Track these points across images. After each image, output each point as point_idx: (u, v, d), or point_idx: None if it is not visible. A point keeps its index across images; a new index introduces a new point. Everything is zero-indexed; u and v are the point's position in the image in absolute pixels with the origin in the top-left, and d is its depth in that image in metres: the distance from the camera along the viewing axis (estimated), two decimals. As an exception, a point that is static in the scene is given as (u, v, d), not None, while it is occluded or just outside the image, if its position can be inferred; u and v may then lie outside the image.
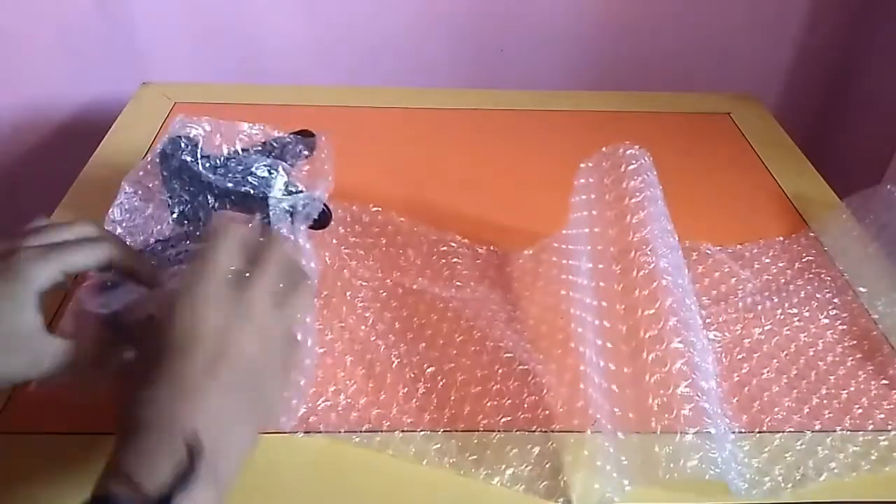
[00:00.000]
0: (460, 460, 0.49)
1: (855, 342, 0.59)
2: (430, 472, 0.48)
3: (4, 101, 1.04)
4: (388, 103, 0.91)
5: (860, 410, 0.53)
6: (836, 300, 0.62)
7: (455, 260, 0.65)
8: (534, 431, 0.51)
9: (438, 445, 0.50)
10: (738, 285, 0.63)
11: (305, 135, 0.63)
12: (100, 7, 0.96)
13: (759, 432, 0.51)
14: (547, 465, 0.48)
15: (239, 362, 0.37)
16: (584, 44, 1.03)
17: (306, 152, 0.61)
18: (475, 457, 0.49)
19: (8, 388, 0.52)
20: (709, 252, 0.66)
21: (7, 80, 1.02)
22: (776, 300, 0.62)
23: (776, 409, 0.53)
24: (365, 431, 0.50)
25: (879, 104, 1.00)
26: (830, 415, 0.53)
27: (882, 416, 0.53)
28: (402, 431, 0.50)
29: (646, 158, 0.55)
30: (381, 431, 0.50)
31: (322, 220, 0.61)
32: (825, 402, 0.54)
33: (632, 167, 0.54)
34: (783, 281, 0.65)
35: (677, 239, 0.55)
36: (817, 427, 0.52)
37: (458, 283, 0.62)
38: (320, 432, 0.50)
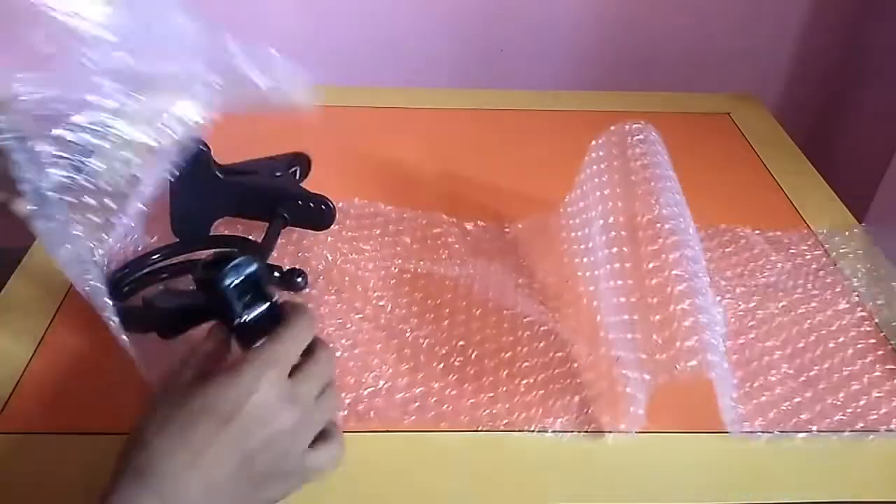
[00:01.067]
0: (511, 421, 0.51)
1: (860, 344, 0.59)
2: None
3: (4, 101, 1.03)
4: (388, 103, 0.91)
5: (863, 409, 0.53)
6: (845, 303, 0.62)
7: (450, 239, 0.67)
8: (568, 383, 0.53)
9: (488, 411, 0.52)
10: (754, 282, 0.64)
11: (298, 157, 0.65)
12: (100, 7, 0.96)
13: (764, 432, 0.52)
14: (588, 412, 0.52)
15: (265, 452, 0.37)
16: (585, 44, 1.03)
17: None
18: (524, 415, 0.51)
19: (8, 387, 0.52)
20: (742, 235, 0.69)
21: (7, 80, 1.02)
22: (786, 303, 0.62)
23: (781, 409, 0.53)
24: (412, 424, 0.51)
25: (879, 104, 1.00)
26: (837, 415, 0.53)
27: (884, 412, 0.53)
28: (449, 406, 0.52)
29: (652, 132, 0.59)
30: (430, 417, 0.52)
31: (327, 219, 0.61)
32: (831, 402, 0.54)
33: (637, 138, 0.59)
34: (791, 284, 0.64)
35: (683, 197, 0.59)
36: (823, 427, 0.52)
37: (459, 261, 0.65)
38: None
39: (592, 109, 0.92)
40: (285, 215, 0.62)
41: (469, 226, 0.69)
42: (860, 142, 1.04)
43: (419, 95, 0.93)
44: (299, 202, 0.62)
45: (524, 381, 0.54)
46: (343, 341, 0.56)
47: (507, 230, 0.69)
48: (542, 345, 0.57)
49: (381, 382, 0.53)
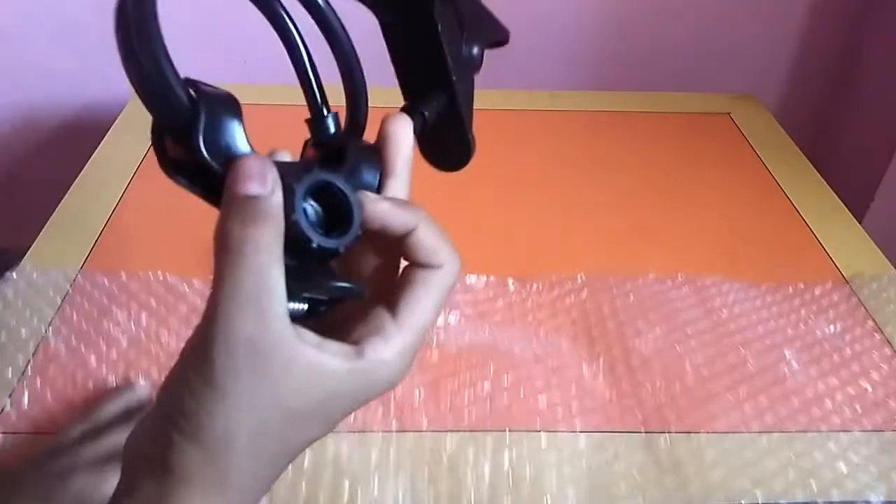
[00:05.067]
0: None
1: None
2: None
3: (4, 101, 1.04)
4: (388, 103, 0.90)
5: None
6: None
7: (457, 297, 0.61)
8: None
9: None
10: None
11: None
12: (100, 7, 0.96)
13: (782, 432, 0.52)
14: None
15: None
16: (585, 44, 1.03)
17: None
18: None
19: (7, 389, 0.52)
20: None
21: (7, 80, 1.02)
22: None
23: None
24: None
25: (879, 104, 1.00)
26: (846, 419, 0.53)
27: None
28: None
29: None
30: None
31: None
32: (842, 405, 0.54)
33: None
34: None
35: None
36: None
37: (463, 319, 0.59)
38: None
39: (592, 109, 0.92)
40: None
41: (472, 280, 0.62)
42: (860, 142, 1.04)
43: (419, 95, 0.93)
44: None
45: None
46: None
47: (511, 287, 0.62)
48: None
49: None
